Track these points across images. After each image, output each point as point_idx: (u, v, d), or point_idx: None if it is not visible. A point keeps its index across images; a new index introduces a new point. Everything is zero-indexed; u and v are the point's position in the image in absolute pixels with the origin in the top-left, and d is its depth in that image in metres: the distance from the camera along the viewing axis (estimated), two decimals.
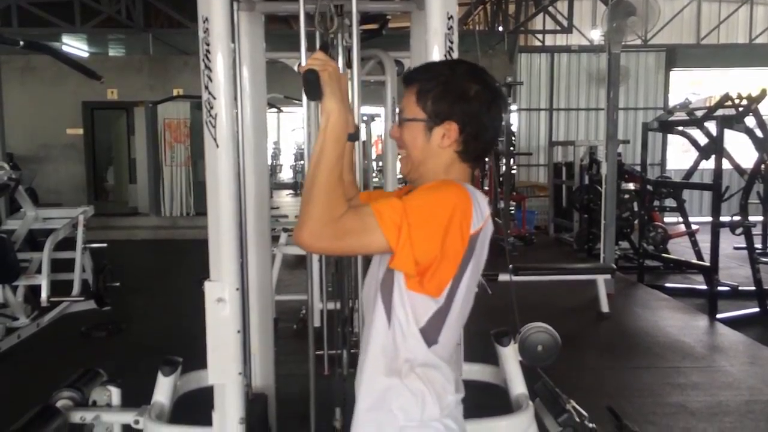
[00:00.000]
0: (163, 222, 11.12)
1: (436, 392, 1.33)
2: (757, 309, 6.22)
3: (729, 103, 6.98)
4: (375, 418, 1.34)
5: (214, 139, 1.86)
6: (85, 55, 13.79)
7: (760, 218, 7.84)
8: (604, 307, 5.82)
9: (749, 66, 13.01)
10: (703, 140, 7.17)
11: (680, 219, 8.14)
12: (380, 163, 13.41)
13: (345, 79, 1.36)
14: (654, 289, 7.05)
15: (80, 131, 11.90)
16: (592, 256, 8.57)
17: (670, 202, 8.33)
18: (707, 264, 6.65)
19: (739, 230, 6.52)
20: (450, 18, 1.94)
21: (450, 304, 1.32)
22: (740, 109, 6.77)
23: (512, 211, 10.12)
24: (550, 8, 11.95)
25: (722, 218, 6.42)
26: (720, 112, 7.01)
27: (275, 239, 6.06)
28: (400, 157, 1.48)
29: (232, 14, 1.89)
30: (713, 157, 6.63)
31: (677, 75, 13.32)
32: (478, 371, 2.45)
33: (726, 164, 6.56)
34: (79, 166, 11.97)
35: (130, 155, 12.15)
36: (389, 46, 4.32)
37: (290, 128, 19.85)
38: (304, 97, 2.53)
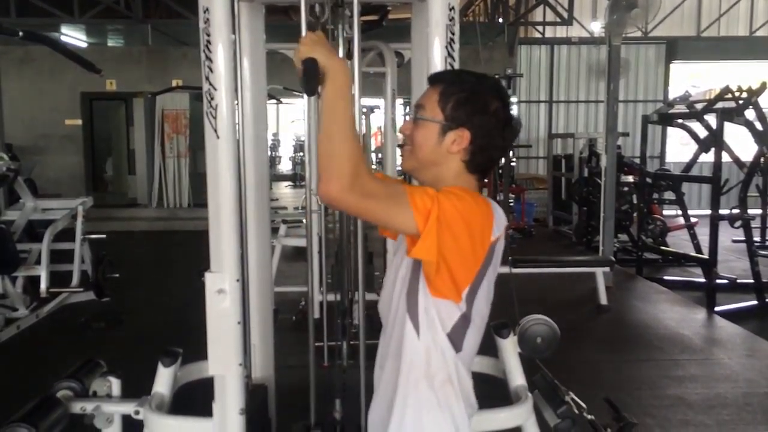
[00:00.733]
0: (162, 213, 11.11)
1: (464, 403, 1.38)
2: (755, 302, 6.24)
3: (729, 95, 6.97)
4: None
5: (215, 130, 1.85)
6: (84, 45, 13.73)
7: (759, 211, 7.85)
8: (603, 300, 5.83)
9: (749, 59, 13.00)
10: (702, 133, 7.17)
11: (679, 212, 8.15)
12: (380, 155, 13.41)
13: (325, 40, 1.33)
14: (652, 281, 7.06)
15: (79, 122, 11.87)
16: (591, 248, 8.58)
17: (669, 195, 8.34)
18: (706, 257, 6.66)
19: (738, 223, 6.53)
20: (451, 9, 1.94)
21: (471, 310, 1.36)
22: (740, 101, 6.76)
23: (511, 204, 10.12)
24: (551, 0, 11.91)
25: (721, 211, 6.43)
26: (720, 104, 7.00)
27: (274, 231, 6.06)
28: (402, 150, 1.48)
29: (232, 5, 1.89)
30: (713, 149, 6.63)
31: (677, 67, 13.31)
32: (477, 363, 2.45)
33: (725, 157, 6.57)
34: (78, 157, 11.95)
35: (129, 146, 12.13)
36: (389, 38, 4.32)
37: (289, 120, 19.80)
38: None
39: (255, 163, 2.43)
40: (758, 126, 6.57)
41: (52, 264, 5.28)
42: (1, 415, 2.01)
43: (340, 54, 2.84)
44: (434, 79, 1.44)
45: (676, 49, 13.06)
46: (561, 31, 13.04)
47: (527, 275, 5.65)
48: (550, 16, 12.40)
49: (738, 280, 6.86)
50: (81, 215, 5.63)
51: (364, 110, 6.42)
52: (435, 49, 2.00)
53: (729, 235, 7.48)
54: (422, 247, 1.24)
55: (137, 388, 2.26)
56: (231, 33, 1.88)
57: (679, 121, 7.79)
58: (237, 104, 2.15)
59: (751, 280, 6.35)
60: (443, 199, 1.24)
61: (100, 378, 2.25)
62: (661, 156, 13.07)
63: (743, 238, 6.62)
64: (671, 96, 11.68)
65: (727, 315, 5.76)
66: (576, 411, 2.19)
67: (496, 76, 9.69)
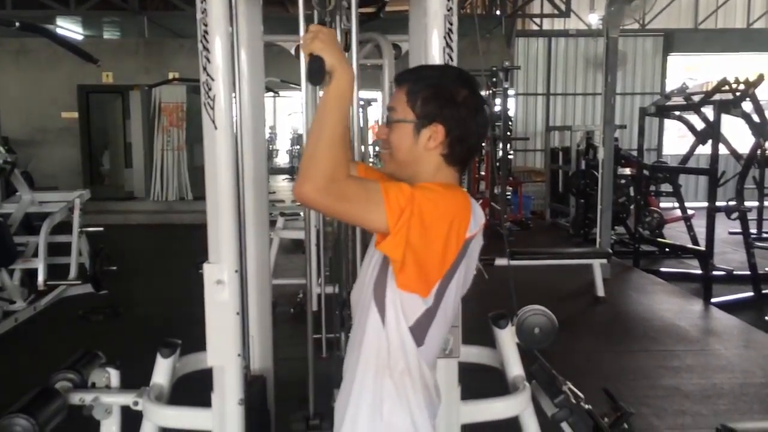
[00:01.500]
0: (159, 206, 11.09)
1: (422, 396, 1.37)
2: (751, 293, 6.26)
3: (726, 87, 6.98)
4: (364, 421, 1.36)
5: (213, 121, 1.85)
6: (80, 38, 13.69)
7: (756, 203, 7.87)
8: (600, 291, 5.85)
9: (747, 51, 13.00)
10: (700, 125, 7.18)
11: (676, 204, 8.16)
12: (377, 148, 13.41)
13: (335, 38, 1.34)
14: (649, 273, 7.08)
15: (75, 115, 11.84)
16: (588, 241, 8.60)
17: (666, 187, 8.35)
18: (703, 249, 6.68)
19: (735, 215, 6.55)
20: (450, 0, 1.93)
21: (438, 306, 1.34)
22: (737, 94, 6.77)
23: (509, 197, 10.13)
24: None
25: (718, 203, 6.45)
26: (717, 96, 7.01)
27: (272, 224, 6.06)
28: (381, 155, 1.49)
29: None
30: (710, 141, 6.64)
31: (675, 60, 13.31)
32: (475, 354, 2.46)
33: (722, 149, 6.58)
34: (75, 150, 11.92)
35: (126, 139, 12.09)
36: (387, 30, 4.30)
37: (287, 113, 19.77)
38: (303, 82, 2.53)
39: (253, 156, 2.42)
40: (755, 118, 6.58)
41: (50, 257, 5.27)
42: (0, 406, 2.01)
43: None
44: (399, 80, 1.44)
45: (673, 41, 13.06)
46: (559, 24, 13.04)
47: (525, 267, 5.67)
48: (548, 9, 12.39)
49: (734, 272, 6.88)
50: (78, 208, 5.62)
51: (362, 103, 6.43)
52: (433, 41, 1.99)
53: (726, 227, 7.50)
54: (390, 243, 1.24)
55: (136, 379, 2.26)
56: (228, 24, 1.87)
57: (677, 113, 7.80)
58: (234, 96, 2.15)
59: (748, 272, 6.37)
60: (419, 196, 1.24)
61: (98, 369, 2.26)
62: (658, 148, 13.04)
63: (740, 230, 6.64)
64: (668, 88, 11.70)
65: (724, 306, 5.78)
66: (573, 401, 2.20)
67: (494, 69, 9.70)
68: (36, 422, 1.92)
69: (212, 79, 1.82)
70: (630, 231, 8.34)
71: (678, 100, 7.94)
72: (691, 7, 13.47)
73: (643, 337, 4.93)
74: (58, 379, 2.19)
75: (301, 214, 6.24)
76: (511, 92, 10.52)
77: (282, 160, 19.76)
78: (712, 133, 6.64)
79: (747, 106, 6.60)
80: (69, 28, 13.40)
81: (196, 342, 2.06)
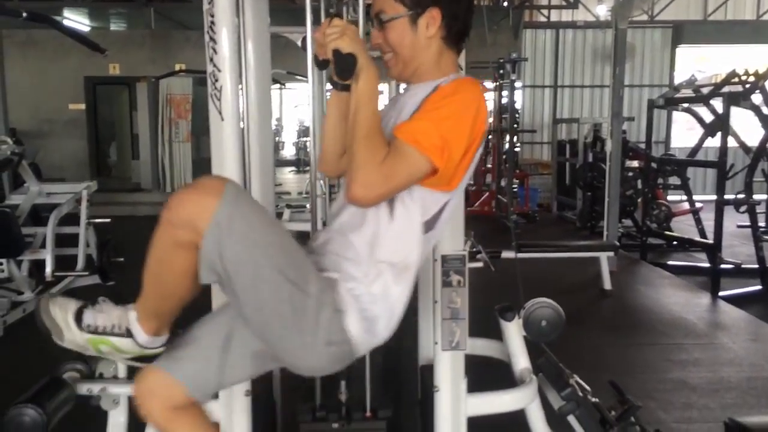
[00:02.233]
0: (166, 198, 11.05)
1: (408, 286, 1.39)
2: (759, 287, 6.23)
3: (735, 79, 6.92)
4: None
5: (219, 112, 1.84)
6: (87, 29, 13.69)
7: (765, 196, 7.82)
8: (607, 285, 5.83)
9: (756, 42, 12.90)
10: (708, 117, 7.13)
11: (684, 197, 8.12)
12: None
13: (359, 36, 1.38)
14: (657, 266, 7.05)
15: (83, 106, 11.87)
16: (595, 233, 8.58)
17: (674, 180, 8.31)
18: (711, 242, 6.65)
19: (744, 208, 6.51)
20: None
21: (455, 194, 1.42)
22: (747, 86, 6.72)
23: (515, 189, 10.11)
24: None
25: (726, 196, 6.41)
26: (726, 89, 6.96)
27: (278, 216, 6.06)
28: (384, 62, 1.48)
29: None
30: (719, 134, 6.59)
31: (683, 51, 13.22)
32: (482, 346, 2.46)
33: (731, 142, 6.53)
34: (82, 142, 11.95)
35: (133, 131, 12.11)
36: None
37: (293, 105, 19.75)
38: (310, 74, 2.52)
39: (259, 147, 2.42)
40: (765, 110, 6.53)
41: (57, 248, 5.29)
42: (7, 396, 2.02)
43: (360, 24, 2.82)
44: None
45: (682, 32, 12.97)
46: (566, 15, 12.96)
47: (531, 260, 5.65)
48: (556, 0, 12.31)
49: (743, 265, 6.84)
50: (85, 199, 5.63)
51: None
52: None
53: (734, 221, 7.46)
54: (442, 178, 1.31)
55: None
56: (235, 15, 1.86)
57: (685, 105, 7.75)
58: (241, 88, 2.14)
59: (756, 265, 6.34)
60: (441, 121, 1.28)
61: (106, 360, 2.26)
62: (666, 141, 13.01)
63: (748, 224, 6.61)
64: (677, 80, 11.63)
65: (732, 300, 5.75)
66: (580, 394, 2.19)
67: (501, 61, 9.65)
68: (44, 412, 1.93)
69: (219, 70, 1.81)
70: (637, 224, 8.31)
71: (687, 93, 7.89)
72: None
73: (650, 330, 4.92)
74: (65, 369, 2.19)
75: (307, 206, 6.24)
76: (518, 84, 10.48)
77: (288, 152, 19.76)
78: (721, 125, 6.59)
79: (756, 98, 6.55)
80: (76, 20, 13.40)
81: None
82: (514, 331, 2.32)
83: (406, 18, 1.38)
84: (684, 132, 12.50)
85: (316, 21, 2.59)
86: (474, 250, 3.26)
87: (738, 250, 7.87)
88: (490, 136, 10.82)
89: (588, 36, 12.89)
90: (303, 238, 5.81)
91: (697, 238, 7.45)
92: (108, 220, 5.99)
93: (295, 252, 1.32)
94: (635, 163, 8.68)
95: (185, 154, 11.24)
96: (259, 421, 2.04)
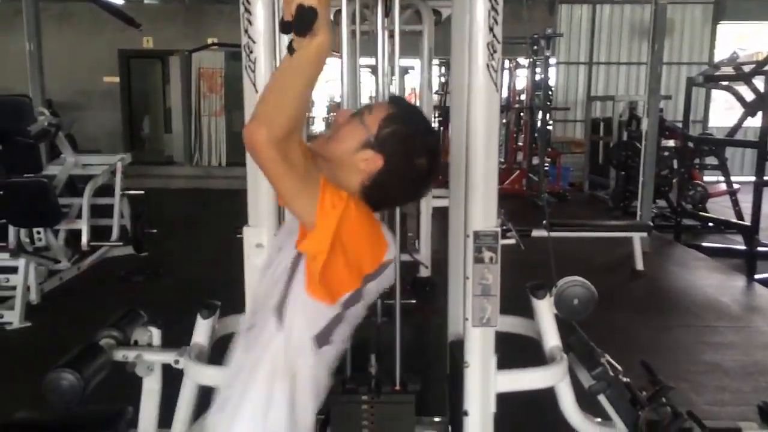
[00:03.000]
0: (198, 171, 11.23)
1: (311, 398, 1.34)
2: None
3: None
4: (245, 421, 1.31)
5: (254, 84, 1.84)
6: (121, 2, 13.77)
7: None
8: (639, 265, 5.76)
9: None
10: (749, 97, 6.93)
11: (721, 177, 7.94)
12: None
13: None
14: (691, 248, 6.93)
15: (116, 79, 12.00)
16: (628, 214, 8.44)
17: (711, 161, 8.12)
18: (747, 224, 6.51)
19: None
20: None
21: (345, 312, 1.33)
22: None
23: (547, 168, 9.98)
24: None
25: (766, 177, 6.25)
26: None
27: None
28: (321, 135, 1.45)
29: None
30: (759, 114, 6.41)
31: (725, 28, 12.82)
32: (511, 323, 2.45)
33: None
34: (116, 114, 12.10)
35: (166, 105, 12.22)
36: None
37: (324, 80, 19.70)
38: (344, 49, 2.50)
39: None
40: None
41: (93, 218, 5.38)
42: (45, 361, 2.08)
43: (378, 12, 2.79)
44: (394, 102, 1.43)
45: (724, 8, 12.56)
46: None
47: (562, 239, 5.58)
48: None
49: None
50: (120, 171, 5.71)
51: (399, 70, 6.35)
52: (478, 5, 1.94)
53: None
54: (315, 240, 1.21)
55: (176, 339, 2.31)
56: None
57: (726, 83, 7.54)
58: (275, 61, 2.13)
59: None
60: (353, 206, 1.23)
61: (141, 328, 2.31)
62: (704, 120, 12.69)
63: None
64: (717, 58, 11.29)
65: None
66: (611, 373, 2.18)
67: (536, 36, 9.47)
68: (81, 376, 1.98)
69: (254, 42, 1.81)
70: (672, 204, 8.16)
71: (727, 71, 7.67)
72: None
73: (683, 312, 4.85)
74: (102, 336, 2.24)
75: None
76: (552, 61, 10.29)
77: (318, 127, 19.77)
78: (762, 104, 6.41)
79: None
80: None
81: (235, 304, 2.09)
82: (545, 308, 2.30)
83: (364, 135, 1.33)
84: (722, 111, 12.18)
85: None
86: (504, 227, 3.23)
87: None
88: (522, 114, 10.69)
89: (626, 11, 12.57)
90: None
91: (734, 220, 7.29)
92: (141, 192, 6.07)
93: None
94: (671, 143, 8.49)
95: (218, 129, 11.31)
96: None
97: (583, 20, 12.70)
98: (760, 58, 7.25)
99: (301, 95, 1.17)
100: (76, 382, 1.97)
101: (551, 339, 2.28)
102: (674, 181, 8.15)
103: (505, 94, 10.47)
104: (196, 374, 2.11)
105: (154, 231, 6.06)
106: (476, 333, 2.03)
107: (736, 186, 7.69)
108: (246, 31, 1.83)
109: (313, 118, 19.73)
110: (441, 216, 3.47)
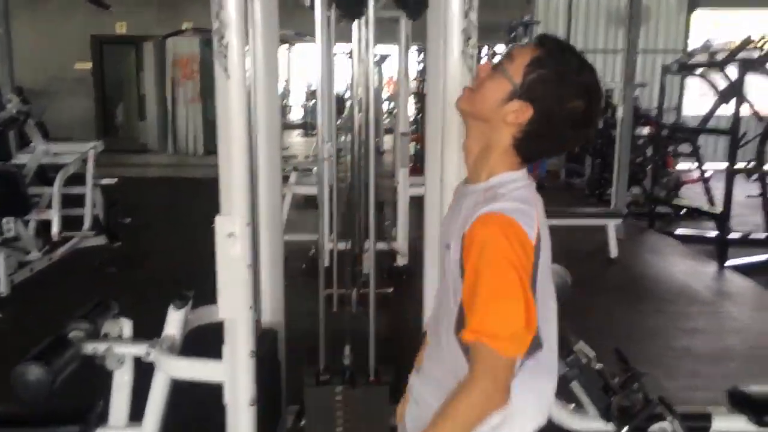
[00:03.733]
0: (173, 159, 11.10)
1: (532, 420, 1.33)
2: (766, 256, 6.19)
3: (751, 46, 6.78)
4: None
5: (225, 70, 1.80)
6: None
7: None
8: (614, 252, 5.81)
9: None
10: (722, 85, 7.01)
11: (694, 165, 8.04)
12: (392, 104, 13.23)
13: None
14: (664, 234, 7.02)
15: (89, 66, 11.78)
16: (603, 201, 8.52)
17: (684, 148, 8.21)
18: (719, 211, 6.60)
19: (754, 177, 6.44)
20: None
21: (539, 333, 1.27)
22: (762, 52, 6.58)
23: None
24: None
25: (737, 165, 6.34)
26: (741, 55, 6.82)
27: (285, 179, 6.03)
28: (465, 89, 1.38)
29: None
30: (732, 101, 6.49)
31: (699, 16, 12.94)
32: None
33: (745, 110, 6.43)
34: (88, 101, 11.89)
35: (140, 91, 12.03)
36: None
37: (301, 67, 19.53)
38: (318, 35, 2.46)
39: (266, 108, 2.38)
40: None
41: (64, 208, 5.29)
42: (14, 354, 2.03)
43: None
44: (540, 42, 1.30)
45: None
46: None
47: None
48: None
49: (750, 235, 6.79)
50: (92, 159, 5.61)
51: (377, 58, 6.32)
52: None
53: (744, 190, 7.39)
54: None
55: (150, 331, 2.27)
56: None
57: (699, 71, 7.61)
58: (248, 47, 2.10)
59: (764, 235, 6.30)
60: (485, 290, 1.19)
61: (111, 319, 2.27)
62: (678, 108, 12.80)
63: (758, 193, 6.54)
64: (692, 46, 11.40)
65: (739, 269, 5.74)
66: (584, 360, 2.19)
67: (513, 23, 9.48)
68: (50, 370, 1.94)
69: (225, 27, 1.76)
70: (646, 192, 8.25)
71: (701, 59, 7.74)
72: None
73: (656, 298, 4.91)
74: (71, 328, 2.20)
75: (314, 169, 6.20)
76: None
77: (296, 115, 19.62)
78: (734, 92, 6.48)
79: None
80: None
81: (208, 294, 2.06)
82: None
83: (508, 86, 1.26)
84: (697, 99, 12.31)
85: None
86: None
87: (747, 219, 7.80)
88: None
89: None
90: (310, 201, 5.80)
91: (706, 207, 7.39)
92: (115, 180, 5.99)
93: None
94: (646, 130, 8.56)
95: (194, 116, 11.17)
96: (263, 382, 2.05)
97: (560, 8, 12.73)
98: (733, 47, 7.32)
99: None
100: (44, 376, 1.93)
101: None
102: (649, 168, 8.23)
103: None
104: (168, 366, 2.08)
105: (128, 220, 5.99)
106: None
107: (708, 173, 7.79)
108: (217, 15, 1.79)
109: (290, 106, 19.63)
110: (418, 204, 3.46)
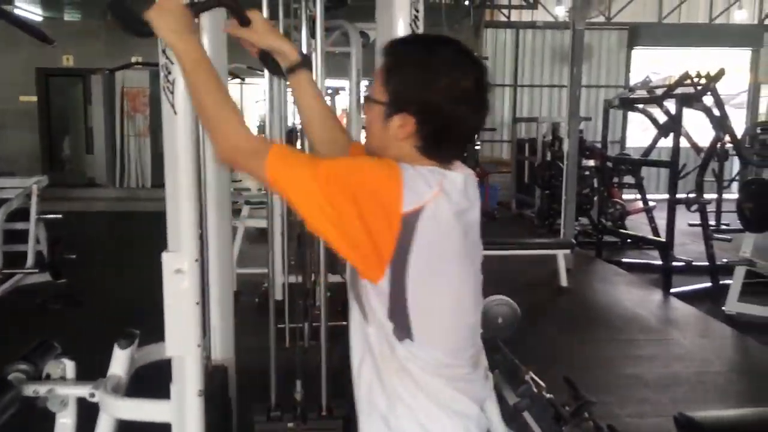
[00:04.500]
0: (121, 193, 10.88)
1: (434, 406, 1.21)
2: (709, 284, 6.39)
3: (688, 81, 7.09)
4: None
5: (172, 106, 1.80)
6: (39, 19, 13.27)
7: (715, 196, 8.04)
8: (564, 282, 5.92)
9: (708, 45, 13.22)
10: (662, 118, 7.29)
11: (638, 196, 8.30)
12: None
13: (183, 12, 1.27)
14: (611, 264, 7.19)
15: (34, 99, 11.53)
16: (553, 231, 8.70)
17: (629, 179, 8.48)
18: (663, 240, 6.80)
19: (695, 207, 6.67)
20: None
21: (403, 293, 1.16)
22: (699, 88, 6.88)
23: None
24: None
25: (678, 195, 6.56)
26: (679, 90, 7.12)
27: (237, 212, 5.98)
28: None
29: None
30: (671, 135, 6.74)
31: (639, 53, 13.49)
32: None
33: (683, 142, 6.69)
34: (33, 135, 11.62)
35: (87, 124, 11.81)
36: (354, 17, 4.26)
37: (253, 100, 19.52)
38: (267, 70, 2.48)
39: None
40: (715, 112, 6.70)
41: (6, 244, 5.14)
42: None
43: (303, 32, 2.79)
44: (384, 51, 1.24)
45: (638, 34, 13.23)
46: (527, 15, 13.08)
47: (490, 257, 5.66)
48: (516, 0, 12.42)
49: (693, 263, 7.02)
50: (36, 194, 5.48)
51: (329, 91, 6.37)
52: (399, 28, 1.98)
53: (686, 219, 7.65)
54: (312, 221, 1.14)
55: (94, 371, 2.20)
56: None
57: (640, 106, 7.90)
58: None
59: (706, 263, 6.50)
60: (331, 173, 1.12)
61: (54, 360, 2.19)
62: (622, 141, 13.26)
63: (699, 222, 6.78)
64: (632, 81, 11.86)
65: (683, 296, 5.90)
66: (535, 390, 2.22)
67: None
68: None
69: (171, 63, 1.76)
70: (593, 222, 8.46)
71: (641, 94, 8.05)
72: (655, 1, 13.63)
73: (605, 326, 5.01)
74: (11, 370, 2.12)
75: (267, 202, 6.17)
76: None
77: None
78: (673, 126, 6.75)
79: (708, 100, 6.72)
80: (28, 9, 12.97)
81: (156, 332, 2.02)
82: None
83: (381, 109, 1.20)
84: (639, 132, 12.75)
85: (274, 15, 2.56)
86: None
87: (689, 248, 8.07)
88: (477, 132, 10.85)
89: (547, 36, 13.06)
90: (262, 235, 5.76)
91: (650, 236, 7.62)
92: (60, 216, 5.83)
93: None
94: (592, 162, 8.82)
95: (142, 149, 11.01)
96: (212, 421, 2.00)
97: (507, 44, 13.11)
98: (671, 82, 7.64)
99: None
100: None
101: None
102: (595, 199, 8.46)
103: None
104: (113, 408, 2.01)
105: (74, 256, 5.82)
106: None
107: (652, 204, 8.05)
108: (164, 50, 1.79)
109: None
110: None
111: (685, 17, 13.75)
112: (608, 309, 5.48)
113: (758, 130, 7.49)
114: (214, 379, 2.20)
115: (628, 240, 8.24)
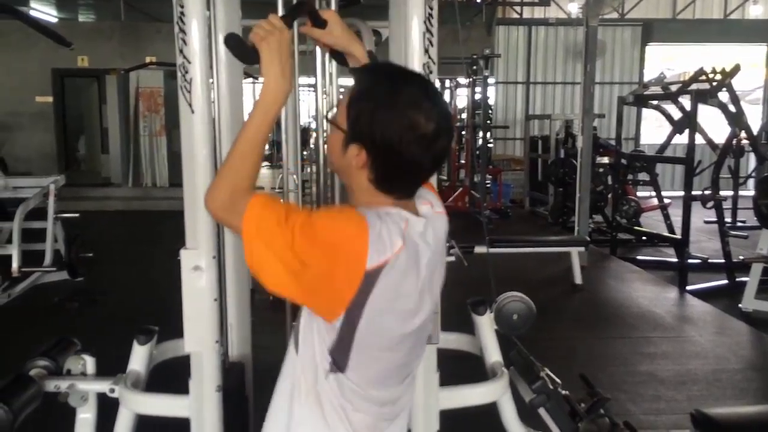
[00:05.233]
0: (137, 193, 10.97)
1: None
2: (725, 281, 6.35)
3: (703, 77, 7.04)
4: None
5: (189, 105, 1.82)
6: (54, 20, 13.41)
7: (731, 192, 7.98)
8: (578, 279, 5.90)
9: (723, 41, 13.13)
10: (677, 115, 7.25)
11: (653, 193, 8.25)
12: None
13: (286, 47, 1.21)
14: (626, 261, 7.16)
15: (50, 99, 11.64)
16: (567, 229, 8.67)
17: (643, 176, 8.44)
18: (678, 237, 6.76)
19: (710, 204, 6.63)
20: None
21: (353, 332, 1.15)
22: (714, 84, 6.84)
23: (488, 185, 10.16)
24: None
25: (694, 192, 6.52)
26: (694, 86, 7.07)
27: None
28: None
29: None
30: (686, 131, 6.70)
31: (653, 49, 13.41)
32: (454, 340, 2.47)
33: (699, 139, 6.65)
34: (49, 135, 11.73)
35: (102, 124, 11.92)
36: (367, 15, 4.25)
37: None
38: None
39: (231, 141, 2.39)
40: (731, 108, 6.65)
41: (24, 243, 5.19)
42: None
43: None
44: (354, 77, 1.24)
45: (651, 30, 13.14)
46: (539, 12, 13.07)
47: (504, 255, 5.69)
48: None
49: (709, 260, 6.98)
50: (53, 194, 5.54)
51: (342, 90, 6.39)
52: (413, 26, 1.97)
53: (701, 216, 7.60)
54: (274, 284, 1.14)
55: (113, 367, 2.23)
56: (205, 6, 1.84)
57: (654, 102, 7.86)
58: (212, 81, 2.12)
59: (722, 260, 6.46)
60: (301, 224, 1.10)
61: (74, 356, 2.23)
62: (636, 137, 13.19)
63: (715, 219, 6.73)
64: (646, 78, 11.79)
65: (699, 294, 5.87)
66: (551, 386, 2.22)
67: (474, 57, 9.67)
68: (10, 409, 1.90)
69: (189, 62, 1.78)
70: (607, 219, 8.42)
71: (656, 90, 8.01)
72: None
73: (619, 324, 4.99)
74: (33, 366, 2.15)
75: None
76: (491, 80, 10.51)
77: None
78: (688, 122, 6.70)
79: (723, 96, 6.67)
80: (43, 10, 13.12)
81: (175, 328, 2.04)
82: (485, 324, 2.33)
83: (341, 135, 1.18)
84: (653, 129, 12.68)
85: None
86: (447, 244, 3.27)
87: (705, 245, 8.02)
88: (463, 132, 10.88)
89: (560, 33, 13.01)
90: None
91: (666, 234, 7.57)
92: (76, 214, 5.89)
93: None
94: (605, 160, 8.79)
95: (158, 148, 11.08)
96: (230, 416, 2.03)
97: (519, 41, 13.07)
98: (685, 78, 7.59)
99: (241, 151, 1.20)
100: (4, 415, 1.88)
101: (492, 354, 2.31)
102: (609, 196, 8.42)
103: None
104: (132, 403, 2.04)
105: (90, 255, 5.88)
106: None
107: (666, 201, 8.00)
108: (181, 50, 1.81)
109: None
110: None
111: (700, 13, 13.65)
112: (623, 306, 5.46)
113: None
114: (231, 375, 2.22)
115: (643, 237, 8.20)
